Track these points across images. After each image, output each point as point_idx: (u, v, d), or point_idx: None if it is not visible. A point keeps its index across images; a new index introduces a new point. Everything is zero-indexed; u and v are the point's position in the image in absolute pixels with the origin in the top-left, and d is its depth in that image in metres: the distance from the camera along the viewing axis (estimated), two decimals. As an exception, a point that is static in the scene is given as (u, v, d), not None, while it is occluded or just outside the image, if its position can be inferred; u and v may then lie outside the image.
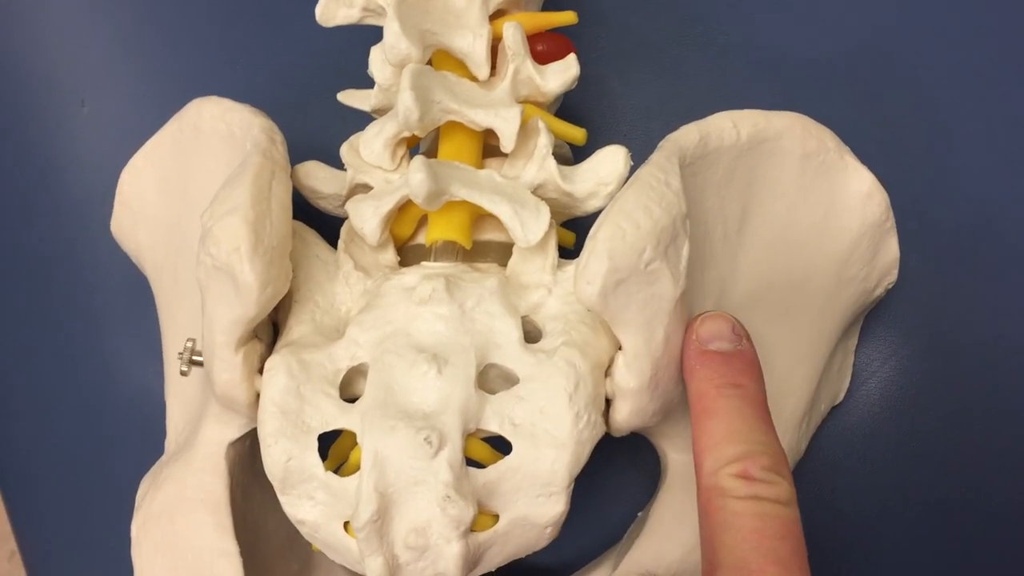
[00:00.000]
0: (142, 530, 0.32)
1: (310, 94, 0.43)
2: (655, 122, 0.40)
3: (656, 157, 0.29)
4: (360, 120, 0.37)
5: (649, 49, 0.40)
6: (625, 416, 0.29)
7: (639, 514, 0.34)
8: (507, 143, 0.31)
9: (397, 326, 0.29)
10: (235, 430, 0.32)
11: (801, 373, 0.34)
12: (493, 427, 0.28)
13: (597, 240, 0.27)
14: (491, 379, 0.29)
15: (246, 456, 0.34)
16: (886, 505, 0.38)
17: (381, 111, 0.34)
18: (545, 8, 0.37)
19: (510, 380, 0.29)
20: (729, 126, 0.31)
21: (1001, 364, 0.38)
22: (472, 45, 0.32)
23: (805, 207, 0.33)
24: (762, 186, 0.33)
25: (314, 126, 0.42)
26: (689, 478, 0.31)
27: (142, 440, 0.42)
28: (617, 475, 0.39)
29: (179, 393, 0.36)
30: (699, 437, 0.27)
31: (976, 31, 0.40)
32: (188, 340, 0.32)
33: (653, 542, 0.30)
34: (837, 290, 0.34)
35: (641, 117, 0.40)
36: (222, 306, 0.29)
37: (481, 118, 0.31)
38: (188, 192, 0.36)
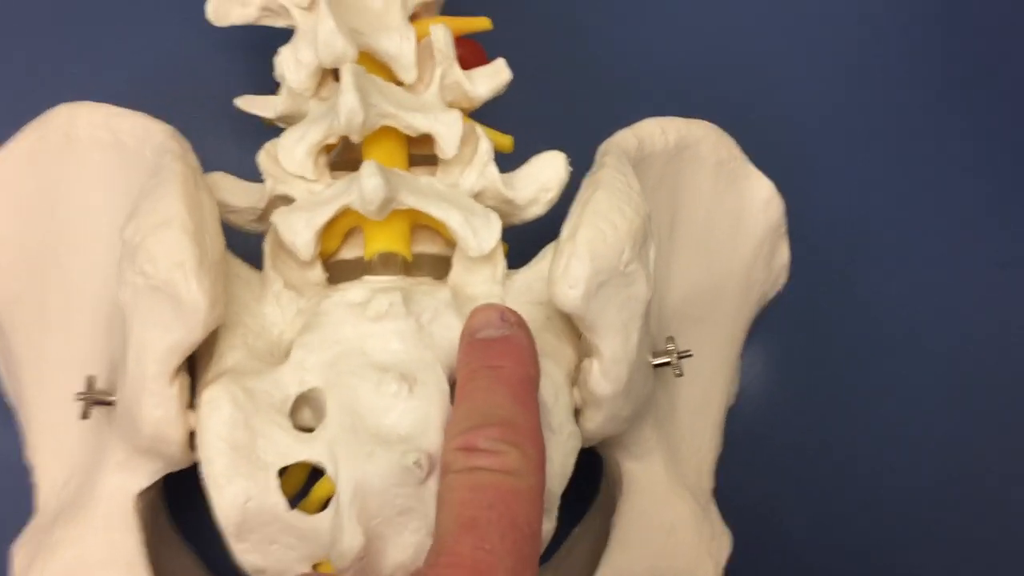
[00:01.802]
0: (39, 605, 0.27)
1: (161, 101, 0.39)
2: (540, 133, 0.40)
3: (610, 160, 0.29)
4: (221, 128, 0.34)
5: (532, 64, 0.40)
6: (599, 424, 0.28)
7: (575, 530, 0.34)
8: (448, 149, 0.30)
9: (348, 345, 0.27)
10: (144, 478, 0.28)
11: (723, 375, 0.35)
12: (474, 445, 0.26)
13: (577, 243, 0.26)
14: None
15: (151, 508, 0.30)
16: (777, 502, 0.39)
17: (288, 118, 0.32)
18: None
19: (475, 396, 0.27)
20: (659, 131, 0.32)
21: (874, 358, 0.40)
22: (400, 47, 0.30)
23: (720, 213, 0.34)
24: (685, 193, 0.33)
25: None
26: (648, 485, 0.30)
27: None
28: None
29: (52, 443, 0.31)
30: (447, 425, 0.25)
31: (842, 44, 0.43)
32: (89, 377, 0.28)
33: (620, 554, 0.29)
34: (746, 293, 0.35)
35: (526, 128, 0.40)
36: (156, 331, 0.25)
37: (420, 123, 0.29)
38: (58, 210, 0.31)
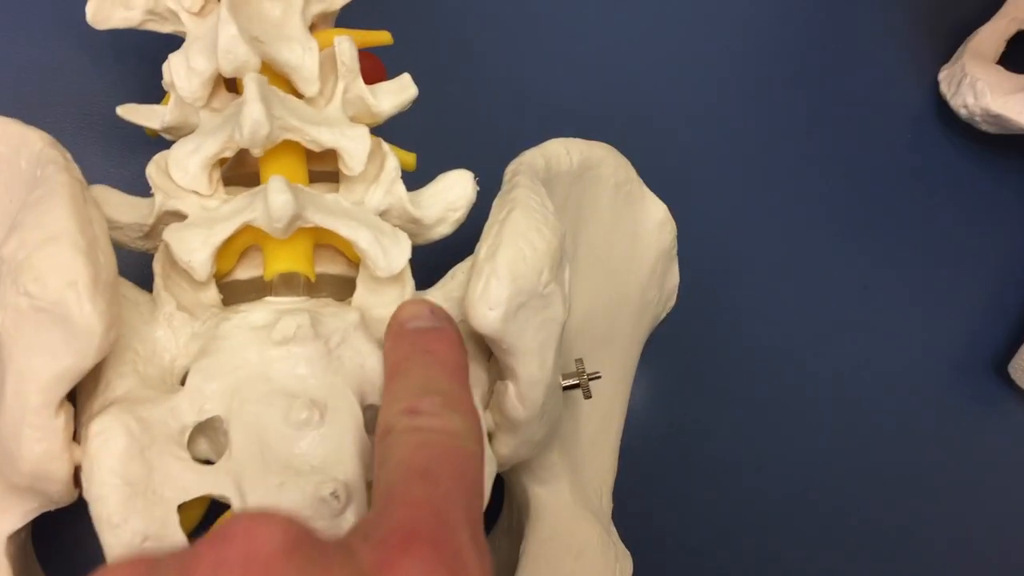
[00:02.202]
0: None
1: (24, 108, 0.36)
2: (423, 153, 0.40)
3: (524, 180, 0.28)
4: (87, 139, 0.33)
5: (426, 80, 0.40)
6: (512, 448, 0.27)
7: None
8: (355, 165, 0.28)
9: (251, 371, 0.26)
10: (17, 519, 0.26)
11: (620, 396, 0.35)
12: (389, 474, 0.25)
13: (498, 263, 0.25)
14: (368, 422, 0.26)
15: (22, 550, 0.27)
16: (663, 521, 0.40)
17: (175, 131, 0.30)
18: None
19: (386, 422, 0.26)
20: (563, 152, 0.31)
21: (750, 376, 0.42)
22: (302, 58, 0.29)
23: (617, 234, 0.34)
24: (586, 214, 0.33)
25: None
26: (556, 510, 0.30)
27: None
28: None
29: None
30: (382, 399, 0.24)
31: (718, 67, 0.44)
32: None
33: (532, 580, 0.29)
34: (641, 314, 0.36)
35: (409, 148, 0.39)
36: (42, 358, 0.23)
37: (325, 137, 0.28)
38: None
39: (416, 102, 0.31)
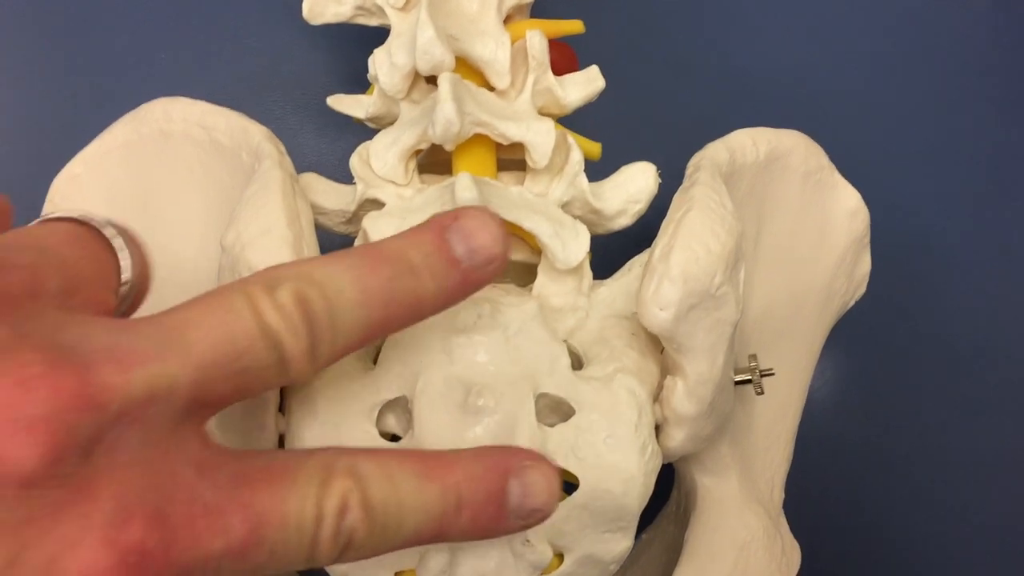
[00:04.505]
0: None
1: (255, 94, 0.39)
2: (614, 140, 0.40)
3: (704, 177, 0.28)
4: (313, 120, 0.35)
5: (609, 67, 0.40)
6: (679, 443, 0.28)
7: (643, 535, 0.34)
8: (540, 159, 0.30)
9: (435, 356, 0.27)
10: None
11: (798, 386, 0.35)
12: (558, 462, 0.26)
13: (671, 265, 0.26)
14: (539, 409, 0.28)
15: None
16: (840, 512, 0.39)
17: (378, 120, 0.32)
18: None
19: (558, 410, 0.28)
20: (750, 143, 0.31)
21: (943, 370, 0.40)
22: (495, 53, 0.30)
23: (804, 224, 0.34)
24: (772, 204, 0.33)
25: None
26: (723, 501, 0.31)
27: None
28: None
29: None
30: None
31: (918, 55, 0.42)
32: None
33: (693, 569, 0.30)
34: (826, 304, 0.35)
35: (599, 135, 0.40)
36: (253, 339, 0.26)
37: (513, 132, 0.29)
38: (149, 205, 0.32)
39: (605, 91, 0.32)
